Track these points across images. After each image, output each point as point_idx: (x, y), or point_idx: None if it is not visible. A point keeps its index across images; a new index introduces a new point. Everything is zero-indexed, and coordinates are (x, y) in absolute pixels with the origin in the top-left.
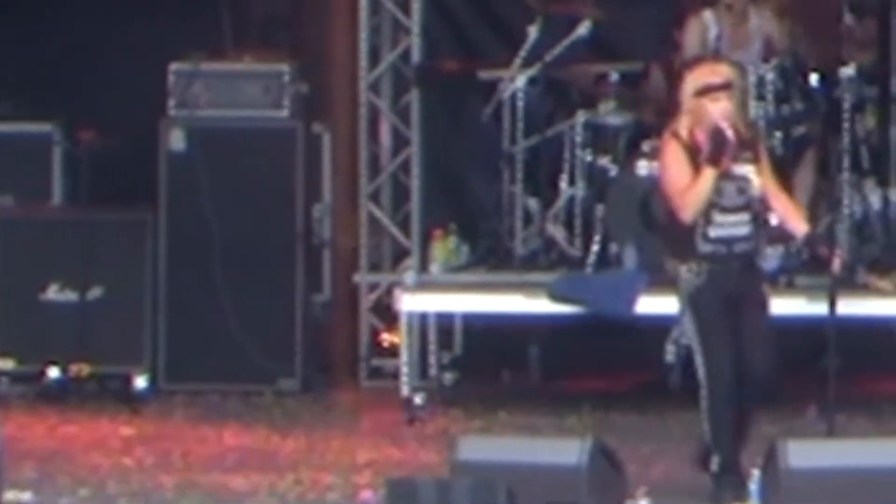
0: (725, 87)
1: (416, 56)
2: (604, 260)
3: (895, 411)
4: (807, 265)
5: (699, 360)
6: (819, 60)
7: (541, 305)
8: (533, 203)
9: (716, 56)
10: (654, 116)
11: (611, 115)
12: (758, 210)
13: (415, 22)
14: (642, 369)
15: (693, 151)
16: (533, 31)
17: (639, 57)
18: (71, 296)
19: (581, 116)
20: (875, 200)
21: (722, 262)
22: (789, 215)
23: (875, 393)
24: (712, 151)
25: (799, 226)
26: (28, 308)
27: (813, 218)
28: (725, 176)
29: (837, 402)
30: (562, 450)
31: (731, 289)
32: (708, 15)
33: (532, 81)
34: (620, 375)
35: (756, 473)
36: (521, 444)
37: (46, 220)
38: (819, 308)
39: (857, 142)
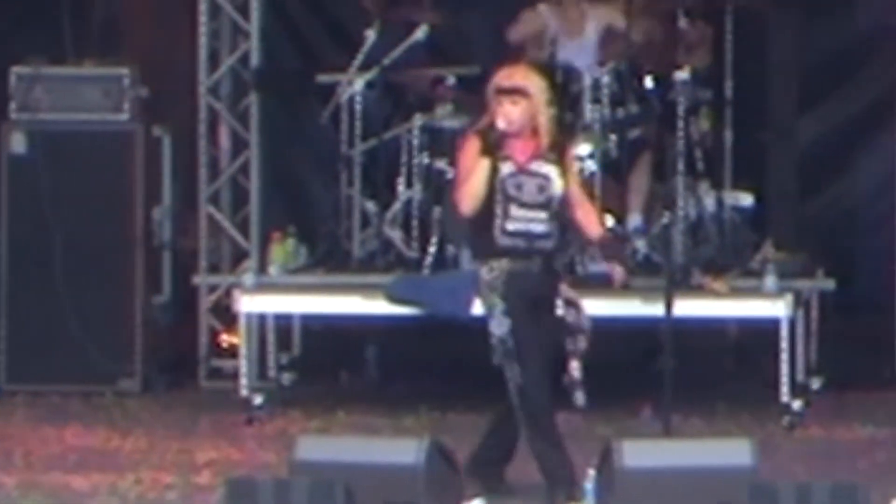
0: (511, 91)
1: (254, 60)
2: (441, 261)
3: (729, 412)
4: (642, 267)
5: (511, 365)
6: (654, 64)
7: (378, 307)
8: (370, 205)
9: (526, 61)
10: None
11: (447, 118)
12: (557, 210)
13: (253, 26)
14: (479, 370)
15: (494, 147)
16: (371, 35)
17: (476, 61)
18: None
19: (418, 120)
20: (709, 203)
21: (522, 258)
22: (586, 219)
23: (709, 394)
24: (484, 143)
25: (593, 229)
26: None
27: (649, 220)
28: (526, 172)
29: (672, 402)
30: (399, 450)
31: (533, 290)
32: (543, 9)
33: (370, 85)
34: (458, 376)
35: (592, 473)
36: (359, 444)
37: None
38: (654, 309)
39: (692, 144)
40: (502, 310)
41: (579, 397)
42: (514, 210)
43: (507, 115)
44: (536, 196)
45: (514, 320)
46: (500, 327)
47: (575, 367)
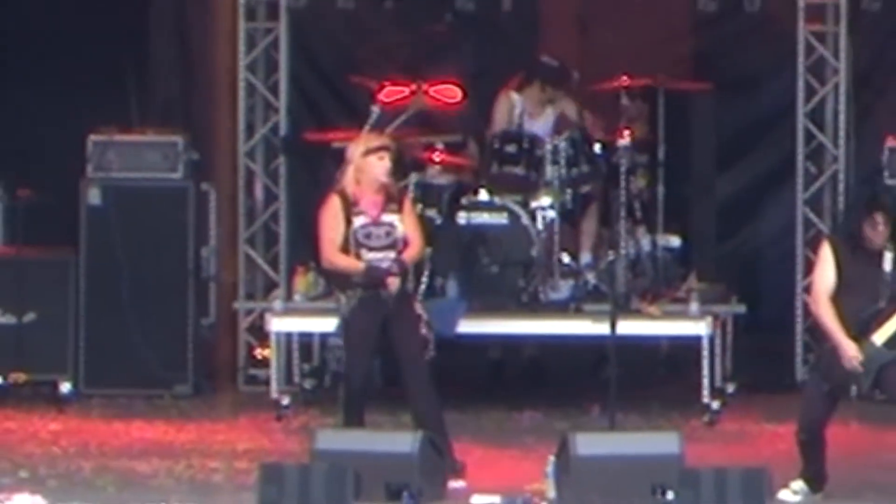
0: (387, 147)
1: (283, 129)
2: (431, 290)
3: (661, 410)
4: (592, 295)
5: (344, 368)
6: (601, 132)
7: None
8: None
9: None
10: (471, 178)
11: (437, 176)
12: (400, 248)
13: (282, 103)
14: (462, 376)
15: (350, 204)
16: (375, 110)
17: (458, 130)
18: (10, 319)
19: (413, 177)
20: (646, 244)
21: (371, 288)
22: (408, 253)
23: (645, 395)
24: (369, 280)
25: (408, 255)
26: None
27: (597, 257)
28: (375, 224)
29: (616, 403)
30: (398, 441)
31: (383, 311)
32: (514, 95)
33: None
34: (445, 381)
35: (552, 459)
36: (366, 437)
37: None
38: (602, 329)
39: (631, 197)
40: (341, 329)
41: None
42: (364, 253)
43: (387, 167)
44: (384, 240)
45: (348, 336)
46: (337, 340)
47: None
